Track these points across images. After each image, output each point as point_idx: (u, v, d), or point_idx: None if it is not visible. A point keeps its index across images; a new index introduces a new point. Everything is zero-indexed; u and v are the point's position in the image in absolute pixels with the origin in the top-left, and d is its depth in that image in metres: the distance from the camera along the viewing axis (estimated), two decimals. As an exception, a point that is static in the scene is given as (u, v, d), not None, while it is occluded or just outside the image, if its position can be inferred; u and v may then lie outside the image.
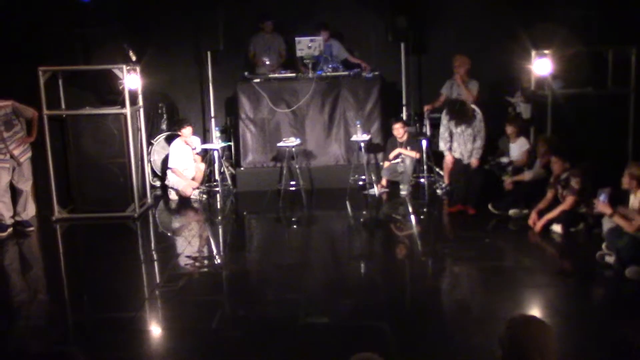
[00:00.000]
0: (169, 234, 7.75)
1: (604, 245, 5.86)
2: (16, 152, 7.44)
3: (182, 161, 8.92)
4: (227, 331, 4.71)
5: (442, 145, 8.06)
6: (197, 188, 8.97)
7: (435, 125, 8.93)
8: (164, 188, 9.18)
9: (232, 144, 9.62)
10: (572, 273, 6.07)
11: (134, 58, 8.55)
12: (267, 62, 9.46)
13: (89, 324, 5.01)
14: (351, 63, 9.65)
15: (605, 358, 4.16)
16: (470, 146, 7.78)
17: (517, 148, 8.52)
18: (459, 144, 7.87)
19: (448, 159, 8.20)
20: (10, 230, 7.51)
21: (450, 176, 8.38)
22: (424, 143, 8.68)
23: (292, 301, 5.22)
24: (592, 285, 5.72)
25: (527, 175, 7.61)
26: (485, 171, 8.22)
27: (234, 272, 5.99)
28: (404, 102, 9.60)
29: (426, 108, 9.07)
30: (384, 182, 8.85)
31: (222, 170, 9.12)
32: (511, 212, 7.37)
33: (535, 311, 4.97)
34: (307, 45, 8.99)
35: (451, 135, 7.92)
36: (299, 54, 9.07)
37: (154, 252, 6.99)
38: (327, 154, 9.31)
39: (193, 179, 9.00)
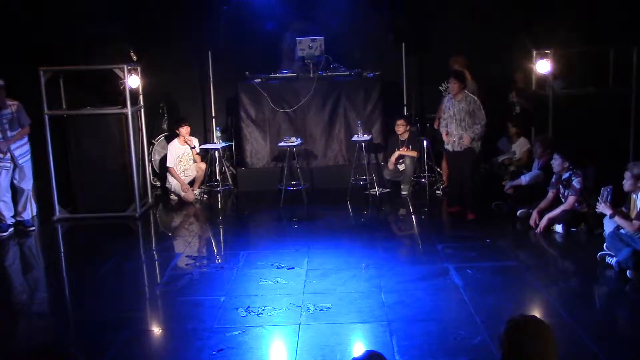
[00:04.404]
0: (169, 234, 7.75)
1: (605, 246, 5.85)
2: (16, 153, 7.44)
3: (181, 161, 8.92)
4: (227, 331, 4.70)
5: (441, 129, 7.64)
6: (199, 188, 8.99)
7: None
8: (165, 188, 9.18)
9: (232, 143, 9.62)
10: (573, 273, 6.07)
11: (135, 58, 8.55)
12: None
13: (89, 324, 5.00)
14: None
15: (606, 358, 4.15)
16: (461, 132, 7.30)
17: (518, 148, 8.54)
18: (451, 130, 7.40)
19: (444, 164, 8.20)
20: (11, 230, 7.52)
21: (448, 177, 8.39)
22: (425, 143, 8.69)
23: (293, 301, 5.22)
24: (593, 285, 5.71)
25: (523, 181, 7.59)
26: (479, 174, 8.18)
27: (234, 272, 5.99)
28: (404, 102, 9.61)
29: (436, 125, 8.95)
30: (393, 159, 8.76)
31: (222, 170, 9.12)
32: (519, 213, 7.34)
33: (536, 311, 4.97)
34: (308, 46, 9.00)
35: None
36: (299, 54, 9.07)
37: (154, 252, 6.98)
38: (328, 154, 9.31)
39: (194, 179, 9.00)
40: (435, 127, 8.85)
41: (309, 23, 9.48)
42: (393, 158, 8.79)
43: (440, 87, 8.86)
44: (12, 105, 7.41)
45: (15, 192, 7.63)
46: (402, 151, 8.75)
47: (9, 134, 7.36)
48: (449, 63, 8.67)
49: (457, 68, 8.37)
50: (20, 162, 7.49)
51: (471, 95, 7.40)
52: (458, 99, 7.34)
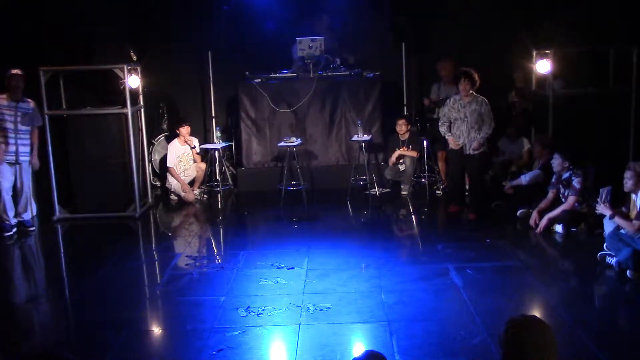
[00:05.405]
0: (169, 234, 7.76)
1: (605, 246, 5.84)
2: (21, 150, 7.43)
3: (181, 161, 8.92)
4: (227, 331, 4.70)
5: (443, 130, 7.54)
6: (199, 188, 8.99)
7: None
8: (165, 188, 9.18)
9: (232, 143, 9.62)
10: (573, 273, 6.07)
11: (135, 58, 8.55)
12: None
13: (89, 324, 5.00)
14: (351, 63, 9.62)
15: (606, 358, 4.15)
16: (473, 134, 7.28)
17: (518, 148, 8.53)
18: (462, 132, 7.34)
19: (441, 164, 8.32)
20: (15, 229, 7.52)
21: (447, 176, 8.38)
22: (425, 143, 8.69)
23: (293, 301, 5.22)
24: (593, 285, 5.72)
25: (523, 181, 7.59)
26: (486, 175, 8.18)
27: (234, 272, 5.99)
28: (405, 102, 9.60)
29: (426, 102, 9.08)
30: (393, 158, 8.81)
31: (222, 170, 9.12)
32: (519, 213, 7.34)
33: (536, 311, 4.97)
34: (308, 45, 9.00)
35: (450, 126, 7.47)
36: (300, 54, 9.07)
37: (154, 252, 6.99)
38: (328, 154, 9.31)
39: (194, 179, 9.00)
40: (425, 104, 9.00)
41: (315, 23, 9.49)
42: (393, 157, 8.80)
43: (431, 94, 8.89)
44: (30, 102, 7.48)
45: (16, 192, 7.62)
46: (403, 151, 8.76)
47: (19, 126, 7.39)
48: (436, 68, 8.70)
49: (444, 74, 8.42)
50: (21, 159, 7.48)
51: (481, 96, 7.32)
52: (467, 100, 7.27)
